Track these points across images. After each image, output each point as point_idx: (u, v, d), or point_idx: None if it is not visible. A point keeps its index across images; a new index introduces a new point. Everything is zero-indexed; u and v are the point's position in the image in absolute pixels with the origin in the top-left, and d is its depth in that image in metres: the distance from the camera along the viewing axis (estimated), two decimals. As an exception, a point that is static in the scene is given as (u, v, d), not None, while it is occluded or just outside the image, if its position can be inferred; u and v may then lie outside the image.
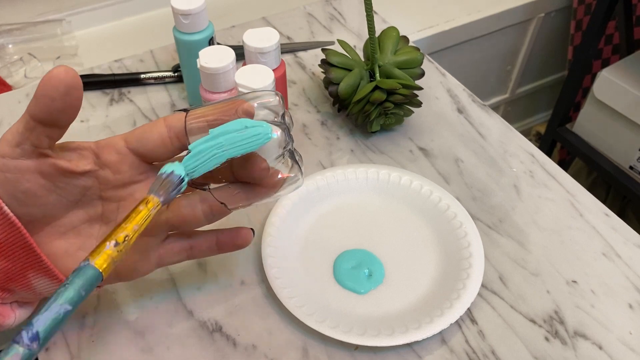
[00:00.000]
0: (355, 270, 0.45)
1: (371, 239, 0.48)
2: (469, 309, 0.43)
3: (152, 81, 0.64)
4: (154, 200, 0.32)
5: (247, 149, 0.33)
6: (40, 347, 0.27)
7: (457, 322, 0.43)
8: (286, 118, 0.36)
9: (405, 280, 0.45)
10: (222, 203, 0.35)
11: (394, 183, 0.51)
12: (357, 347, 0.41)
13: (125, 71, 0.66)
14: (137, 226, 0.31)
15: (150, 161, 0.36)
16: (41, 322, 0.27)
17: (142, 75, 0.64)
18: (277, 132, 0.34)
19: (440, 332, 0.41)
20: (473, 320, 0.43)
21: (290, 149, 0.36)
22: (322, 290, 0.45)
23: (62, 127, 0.32)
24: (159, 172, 0.33)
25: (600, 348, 0.41)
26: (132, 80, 0.64)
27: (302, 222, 0.49)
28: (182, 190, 0.33)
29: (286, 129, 0.35)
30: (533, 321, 0.43)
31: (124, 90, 0.64)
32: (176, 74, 0.64)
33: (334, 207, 0.50)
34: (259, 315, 0.43)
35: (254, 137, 0.32)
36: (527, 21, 1.13)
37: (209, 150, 0.33)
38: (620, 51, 1.20)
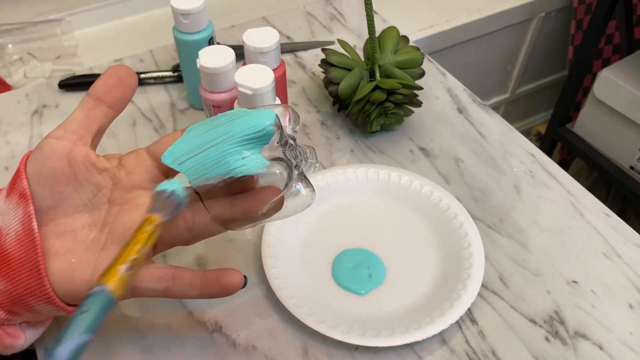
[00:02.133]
0: (356, 270, 0.45)
1: (371, 239, 0.48)
2: (469, 309, 0.43)
3: (152, 81, 0.64)
4: (157, 220, 0.32)
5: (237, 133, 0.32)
6: None
7: (457, 322, 0.43)
8: (289, 134, 0.35)
9: (406, 280, 0.45)
10: (205, 206, 0.34)
11: (394, 183, 0.51)
12: (357, 348, 0.41)
13: (125, 71, 0.66)
14: (144, 247, 0.31)
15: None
16: (64, 354, 0.27)
17: (142, 75, 0.64)
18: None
19: (440, 333, 0.41)
20: (473, 321, 0.43)
21: (289, 159, 0.35)
22: (322, 290, 0.45)
23: (113, 106, 0.35)
24: (159, 189, 0.33)
25: (601, 348, 0.41)
26: (132, 80, 0.64)
27: (302, 222, 0.49)
28: (181, 209, 0.34)
29: (289, 147, 0.34)
30: (533, 321, 0.43)
31: (124, 90, 0.64)
32: (176, 74, 0.64)
33: (334, 207, 0.50)
34: (259, 315, 0.43)
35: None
36: (527, 21, 1.13)
37: (203, 138, 0.33)
38: (620, 51, 1.20)
